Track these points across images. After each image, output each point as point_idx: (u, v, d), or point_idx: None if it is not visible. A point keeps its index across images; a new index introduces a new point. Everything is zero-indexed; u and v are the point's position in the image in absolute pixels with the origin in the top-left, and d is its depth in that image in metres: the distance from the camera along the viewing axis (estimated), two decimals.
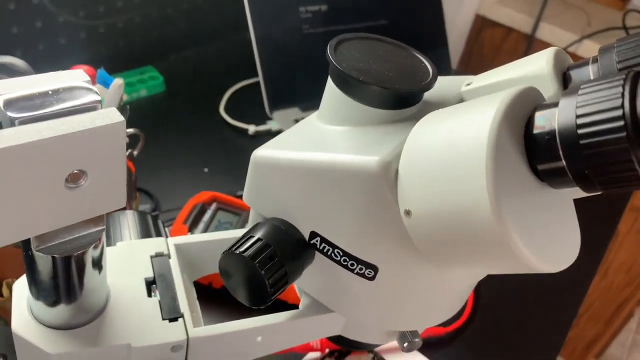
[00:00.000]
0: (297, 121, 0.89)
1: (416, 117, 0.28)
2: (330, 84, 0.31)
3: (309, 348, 0.52)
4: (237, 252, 0.28)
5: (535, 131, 0.23)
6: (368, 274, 0.29)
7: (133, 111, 0.84)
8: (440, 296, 0.32)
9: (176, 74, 0.91)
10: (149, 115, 0.84)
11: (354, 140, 0.29)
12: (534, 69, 0.28)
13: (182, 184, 0.71)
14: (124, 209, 0.50)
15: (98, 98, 0.24)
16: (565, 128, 0.22)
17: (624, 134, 0.20)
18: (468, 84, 0.31)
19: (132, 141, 0.48)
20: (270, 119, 0.86)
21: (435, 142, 0.25)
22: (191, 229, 0.56)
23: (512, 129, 0.23)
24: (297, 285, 0.34)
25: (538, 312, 0.68)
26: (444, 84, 0.32)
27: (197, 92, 0.89)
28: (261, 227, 0.30)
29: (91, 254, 0.28)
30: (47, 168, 0.22)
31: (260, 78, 0.85)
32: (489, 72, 0.31)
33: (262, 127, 0.83)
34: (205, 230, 0.56)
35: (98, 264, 0.29)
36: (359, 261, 0.29)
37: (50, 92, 0.23)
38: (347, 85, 0.30)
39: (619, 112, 0.20)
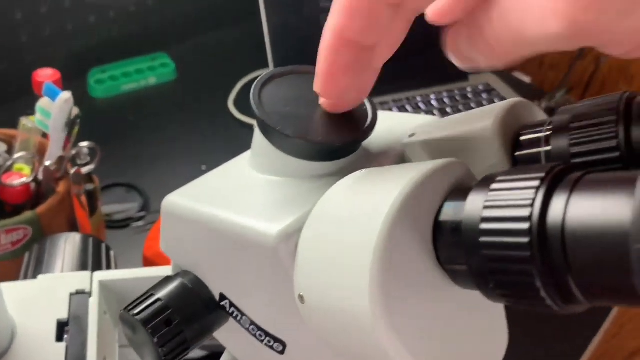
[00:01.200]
0: None
1: (350, 169, 0.24)
2: (256, 127, 0.27)
3: None
4: (131, 313, 0.26)
5: (442, 220, 0.19)
6: (277, 347, 0.26)
7: (140, 100, 0.82)
8: None
9: (189, 61, 0.88)
10: (155, 105, 0.82)
11: (270, 197, 0.26)
12: (479, 128, 0.24)
13: (177, 181, 0.68)
14: (77, 230, 0.49)
15: None
16: (470, 229, 0.18)
17: (527, 253, 0.16)
18: (411, 135, 0.27)
19: (91, 156, 0.46)
20: None
21: (330, 223, 0.21)
22: None
23: (417, 217, 0.19)
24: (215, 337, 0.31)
25: (552, 336, 0.64)
26: (389, 129, 0.28)
27: (208, 81, 0.87)
28: (166, 284, 0.27)
29: None
30: None
31: None
32: (438, 121, 0.27)
33: None
34: None
35: None
36: (266, 333, 0.26)
37: None
38: (268, 132, 0.26)
39: (525, 225, 0.16)
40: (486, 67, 0.19)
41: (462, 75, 1.00)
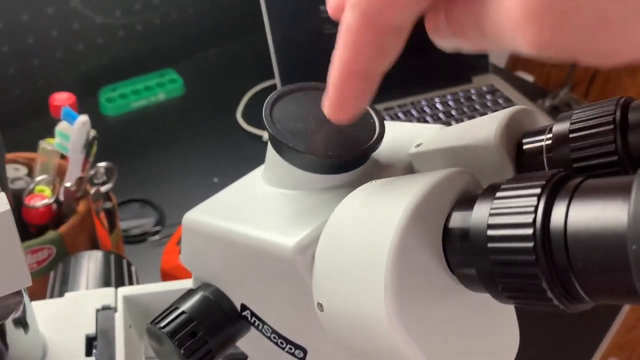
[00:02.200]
0: None
1: (361, 180, 0.25)
2: (269, 143, 0.29)
3: None
4: (157, 326, 0.27)
5: (451, 227, 0.20)
6: (298, 354, 0.27)
7: (151, 116, 0.84)
8: None
9: (197, 75, 0.90)
10: (166, 121, 0.83)
11: (285, 210, 0.27)
12: (482, 138, 0.25)
13: (190, 194, 0.70)
14: (97, 248, 0.50)
15: None
16: (477, 236, 0.19)
17: (532, 256, 0.17)
18: (418, 145, 0.28)
19: (108, 175, 0.48)
20: None
21: (346, 233, 0.22)
22: None
23: (426, 225, 0.20)
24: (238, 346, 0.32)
25: (564, 328, 0.64)
26: (396, 139, 0.29)
27: (216, 95, 0.88)
28: (189, 297, 0.28)
29: (12, 319, 0.27)
30: None
31: (278, 82, 0.83)
32: (442, 131, 0.28)
33: None
34: None
35: (22, 326, 0.28)
36: (287, 341, 0.27)
37: None
38: (280, 149, 0.27)
39: (529, 231, 0.17)
40: (469, 50, 0.19)
41: (465, 78, 1.00)
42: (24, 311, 0.28)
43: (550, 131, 0.24)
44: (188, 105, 0.86)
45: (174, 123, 0.83)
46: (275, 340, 0.27)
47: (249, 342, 0.30)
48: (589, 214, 0.17)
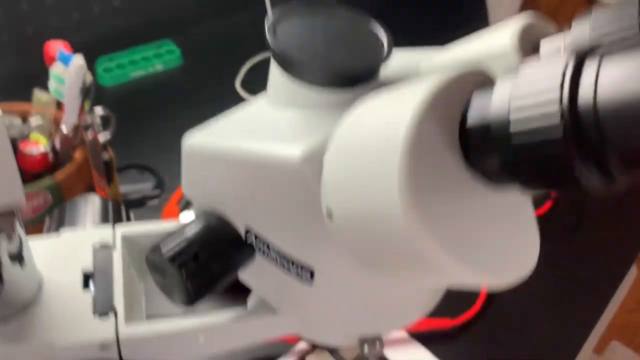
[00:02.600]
0: None
1: None
2: (272, 62, 0.27)
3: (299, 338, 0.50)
4: (158, 252, 0.26)
5: (469, 122, 0.19)
6: (305, 276, 0.26)
7: (148, 86, 0.83)
8: (397, 299, 0.28)
9: (195, 46, 0.89)
10: (163, 91, 0.82)
11: (290, 125, 0.26)
12: (497, 45, 0.24)
13: None
14: (94, 191, 0.49)
15: None
16: (499, 124, 0.18)
17: (559, 121, 0.16)
18: (428, 62, 0.27)
19: (105, 123, 0.47)
20: None
21: (358, 131, 0.21)
22: (185, 209, 0.54)
23: (442, 120, 0.19)
24: (242, 280, 0.31)
25: (562, 304, 0.63)
26: (405, 59, 0.28)
27: (215, 65, 0.87)
28: (191, 224, 0.27)
29: (7, 248, 0.26)
30: None
31: None
32: (452, 47, 0.27)
33: None
34: None
35: (17, 257, 0.27)
36: (294, 262, 0.26)
37: None
38: (285, 63, 0.26)
39: (555, 94, 0.16)
40: None
41: None
42: (20, 245, 0.27)
43: (568, 31, 0.23)
44: (186, 76, 0.85)
45: (172, 93, 0.82)
46: (281, 263, 0.26)
47: (253, 273, 0.29)
48: (620, 80, 0.15)
